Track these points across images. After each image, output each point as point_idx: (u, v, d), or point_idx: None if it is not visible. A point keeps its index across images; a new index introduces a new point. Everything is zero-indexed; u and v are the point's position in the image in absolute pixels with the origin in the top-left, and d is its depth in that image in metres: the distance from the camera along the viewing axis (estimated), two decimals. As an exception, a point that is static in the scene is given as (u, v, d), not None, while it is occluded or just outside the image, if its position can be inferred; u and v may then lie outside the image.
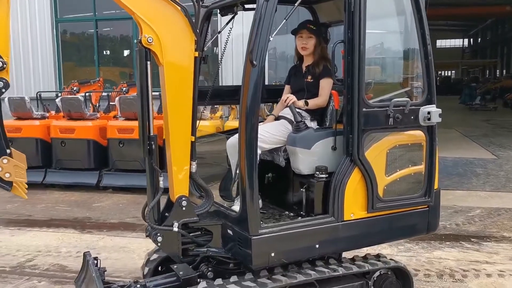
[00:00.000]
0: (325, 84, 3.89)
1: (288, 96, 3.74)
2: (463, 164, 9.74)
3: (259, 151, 3.62)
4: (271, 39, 3.22)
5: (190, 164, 3.55)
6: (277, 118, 4.07)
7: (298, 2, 3.35)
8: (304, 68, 4.08)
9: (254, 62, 3.14)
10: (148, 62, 3.40)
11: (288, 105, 3.69)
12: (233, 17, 4.12)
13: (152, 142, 3.44)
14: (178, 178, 3.54)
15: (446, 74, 55.16)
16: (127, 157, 8.43)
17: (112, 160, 8.79)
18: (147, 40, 3.29)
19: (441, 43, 57.63)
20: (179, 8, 3.37)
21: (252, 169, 3.29)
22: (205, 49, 4.19)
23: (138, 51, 3.35)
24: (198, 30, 3.49)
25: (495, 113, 23.77)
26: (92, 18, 12.93)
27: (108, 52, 13.88)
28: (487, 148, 11.98)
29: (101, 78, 11.75)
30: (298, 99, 3.85)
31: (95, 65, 13.32)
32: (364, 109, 3.51)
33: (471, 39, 58.66)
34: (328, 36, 4.58)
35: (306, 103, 3.83)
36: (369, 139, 3.60)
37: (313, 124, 3.95)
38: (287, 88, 4.25)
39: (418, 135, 3.80)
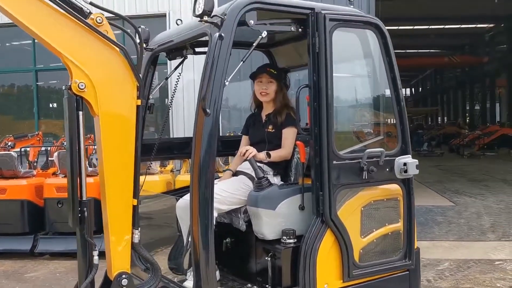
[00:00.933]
0: (289, 134, 3.45)
1: (247, 149, 3.26)
2: (423, 213, 9.51)
3: (215, 214, 3.08)
4: (226, 83, 2.77)
5: (132, 233, 2.95)
6: (235, 174, 3.56)
7: (256, 42, 2.93)
8: (264, 117, 3.64)
9: (208, 110, 2.66)
10: (80, 113, 2.85)
11: (248, 158, 3.20)
12: (182, 62, 3.66)
13: (85, 208, 2.83)
14: (117, 251, 2.92)
15: (392, 122, 56.93)
16: (66, 219, 7.55)
17: (49, 222, 7.86)
18: (78, 87, 2.75)
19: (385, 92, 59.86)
20: (117, 49, 2.87)
21: (207, 236, 2.74)
22: (151, 97, 3.69)
23: (67, 100, 2.79)
24: (141, 75, 3.00)
25: (442, 158, 24.33)
26: (32, 69, 12.19)
27: (50, 104, 13.07)
28: (443, 195, 11.90)
29: (40, 131, 10.91)
30: (259, 151, 3.38)
31: (35, 118, 12.47)
32: (334, 162, 3.08)
33: (413, 89, 61.44)
34: (287, 82, 4.20)
35: (268, 155, 3.36)
36: (341, 195, 3.16)
37: (277, 180, 3.47)
38: (244, 139, 3.79)
39: (394, 189, 3.40)
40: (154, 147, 3.57)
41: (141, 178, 3.15)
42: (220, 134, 6.68)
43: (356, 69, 3.44)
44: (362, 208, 3.27)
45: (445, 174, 16.43)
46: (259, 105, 3.72)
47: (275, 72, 3.55)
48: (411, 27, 27.62)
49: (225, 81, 2.76)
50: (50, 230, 7.97)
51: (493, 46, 33.41)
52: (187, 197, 3.22)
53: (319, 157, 3.07)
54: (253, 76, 3.58)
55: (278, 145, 3.48)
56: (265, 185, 3.15)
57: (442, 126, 38.29)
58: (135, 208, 2.96)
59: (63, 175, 8.03)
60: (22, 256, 7.71)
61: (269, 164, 3.45)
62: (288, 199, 3.16)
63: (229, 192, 3.22)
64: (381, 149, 3.22)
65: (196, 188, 2.71)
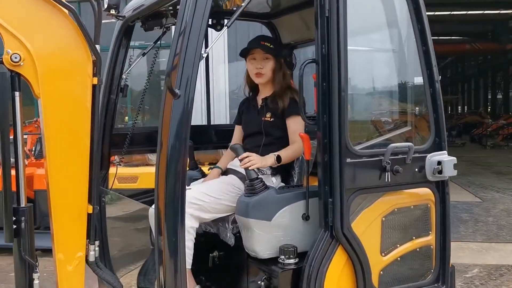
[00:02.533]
0: (296, 125, 2.75)
1: (248, 156, 2.55)
2: (446, 209, 8.77)
3: (194, 224, 2.42)
4: (204, 55, 2.08)
5: (87, 249, 2.31)
6: (224, 173, 2.89)
7: (245, 3, 2.22)
8: (259, 102, 2.94)
9: (177, 91, 1.98)
10: (17, 93, 2.20)
11: (249, 169, 2.50)
12: (162, 35, 2.98)
13: (23, 218, 2.20)
14: (67, 272, 2.29)
15: (421, 109, 55.71)
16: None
17: (40, 216, 7.31)
18: (11, 59, 2.10)
19: (404, 80, 58.50)
20: (66, 11, 2.21)
21: (176, 252, 2.07)
22: (124, 77, 3.02)
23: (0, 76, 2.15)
24: (111, 49, 2.34)
25: (464, 149, 23.28)
26: None
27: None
28: (468, 189, 11.07)
29: (39, 118, 10.34)
30: (253, 144, 2.69)
31: (34, 105, 11.90)
32: (348, 159, 2.38)
33: (433, 77, 59.77)
34: (293, 60, 3.49)
35: (279, 159, 2.67)
36: (356, 202, 2.46)
37: (276, 181, 2.78)
38: (237, 129, 3.10)
39: (423, 193, 2.69)
40: (126, 138, 2.90)
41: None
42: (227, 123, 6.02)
43: (377, 41, 2.70)
44: (383, 218, 2.57)
45: (468, 166, 15.53)
46: (254, 88, 3.02)
47: (271, 46, 2.83)
48: (432, 13, 26.48)
49: (202, 52, 2.07)
50: (42, 225, 7.42)
51: (517, 33, 32.01)
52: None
53: (329, 154, 2.37)
54: (245, 53, 2.86)
55: (278, 138, 2.79)
56: (259, 188, 2.46)
57: (463, 115, 37.05)
58: (91, 216, 2.31)
59: (124, 164, 7.38)
60: (9, 252, 7.17)
61: None
62: (288, 206, 2.47)
63: (213, 196, 2.55)
64: (409, 143, 2.50)
65: (162, 191, 2.04)
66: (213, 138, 3.65)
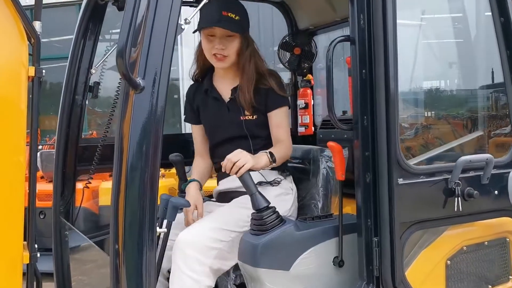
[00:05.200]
0: (280, 118, 2.06)
1: (233, 160, 1.79)
2: None
3: (212, 283, 1.73)
4: (184, 26, 1.35)
5: None
6: (222, 196, 2.14)
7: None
8: (226, 94, 2.13)
9: (139, 81, 1.26)
10: None
11: (240, 176, 1.76)
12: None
13: None
14: None
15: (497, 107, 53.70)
16: (49, 234, 6.30)
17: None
18: None
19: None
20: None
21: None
22: (93, 71, 2.30)
23: None
24: (38, 23, 1.64)
25: None
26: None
27: (53, 97, 11.82)
28: None
29: (38, 128, 9.71)
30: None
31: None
32: (401, 180, 1.64)
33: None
34: (313, 49, 2.76)
35: (273, 158, 1.93)
36: (413, 241, 1.72)
37: (291, 187, 2.05)
38: (198, 131, 2.25)
39: (500, 223, 1.94)
40: (95, 151, 2.18)
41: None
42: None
43: (436, 15, 1.94)
44: (448, 261, 1.83)
45: None
46: (207, 70, 2.19)
47: (236, 18, 2.01)
48: None
49: (182, 23, 1.34)
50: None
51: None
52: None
53: (372, 172, 1.64)
54: (200, 27, 2.03)
55: (267, 138, 2.05)
56: (271, 221, 1.70)
57: None
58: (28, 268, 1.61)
59: (50, 180, 6.77)
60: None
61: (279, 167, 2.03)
62: (313, 248, 1.73)
63: (233, 231, 1.81)
64: (487, 155, 1.75)
65: (121, 226, 1.32)
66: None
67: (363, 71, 1.65)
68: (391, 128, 1.63)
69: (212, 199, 2.23)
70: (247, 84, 2.03)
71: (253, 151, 1.97)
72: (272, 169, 2.02)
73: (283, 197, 1.98)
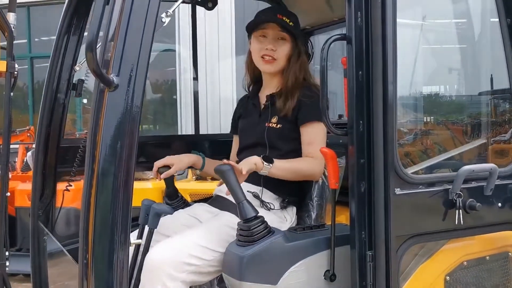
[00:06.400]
0: (314, 135, 1.90)
1: (223, 170, 1.65)
2: None
3: None
4: (166, 19, 1.24)
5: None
6: (218, 198, 2.03)
7: None
8: (263, 100, 2.08)
9: (112, 78, 1.15)
10: None
11: (228, 182, 1.64)
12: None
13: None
14: None
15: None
16: (43, 232, 6.20)
17: (21, 236, 6.59)
18: None
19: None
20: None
21: None
22: (78, 68, 2.19)
23: None
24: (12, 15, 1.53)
25: None
26: (26, 55, 10.84)
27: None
28: None
29: (32, 127, 9.61)
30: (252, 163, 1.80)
31: (29, 112, 11.15)
32: (398, 190, 1.53)
33: None
34: (309, 49, 2.65)
35: (268, 161, 1.79)
36: (410, 256, 1.61)
37: (289, 218, 1.92)
38: (236, 141, 2.25)
39: (501, 237, 1.83)
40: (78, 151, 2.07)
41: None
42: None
43: (438, 17, 1.83)
44: (447, 277, 1.72)
45: None
46: (257, 79, 2.15)
47: (291, 23, 1.98)
48: None
49: (163, 16, 1.23)
50: (23, 247, 6.68)
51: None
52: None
53: (367, 181, 1.53)
54: (252, 27, 2.01)
55: (288, 152, 1.93)
56: (258, 232, 1.59)
57: None
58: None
59: None
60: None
61: (272, 185, 1.90)
62: (303, 261, 1.61)
63: (215, 250, 1.68)
64: (491, 164, 1.64)
65: (90, 237, 1.21)
66: (206, 152, 2.81)
67: (360, 72, 1.54)
68: (389, 134, 1.52)
69: (205, 203, 2.11)
70: (292, 91, 1.93)
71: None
72: (278, 195, 1.91)
73: (275, 224, 1.79)
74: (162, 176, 2.02)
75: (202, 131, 2.77)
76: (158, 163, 2.03)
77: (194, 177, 6.52)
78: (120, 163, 1.17)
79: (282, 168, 1.81)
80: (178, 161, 2.04)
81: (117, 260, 1.16)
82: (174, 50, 8.21)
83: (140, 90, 1.18)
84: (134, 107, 1.16)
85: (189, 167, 2.28)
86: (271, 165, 1.77)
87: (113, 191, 1.17)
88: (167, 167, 2.04)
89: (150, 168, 2.11)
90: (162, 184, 6.68)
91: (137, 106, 1.17)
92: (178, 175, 8.14)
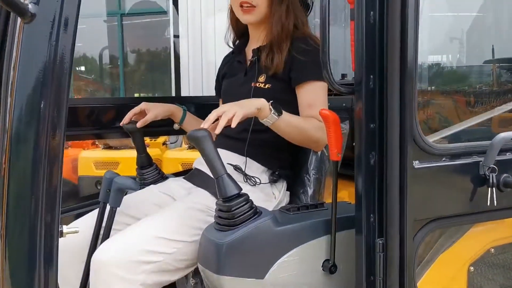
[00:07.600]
0: (314, 96, 1.57)
1: (218, 113, 1.35)
2: None
3: None
4: None
5: None
6: (195, 172, 1.73)
7: None
8: (249, 56, 1.74)
9: (29, 4, 0.81)
10: None
11: (204, 151, 1.32)
12: None
13: None
14: None
15: None
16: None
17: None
18: None
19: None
20: None
21: None
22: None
23: None
24: None
25: None
26: (116, 12, 9.52)
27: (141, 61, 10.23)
28: None
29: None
30: (236, 128, 1.45)
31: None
32: (417, 164, 1.22)
33: None
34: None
35: (278, 111, 1.45)
36: (428, 244, 1.31)
37: (280, 195, 1.61)
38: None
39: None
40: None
41: None
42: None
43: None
44: (471, 267, 1.42)
45: None
46: (242, 33, 1.81)
47: None
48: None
49: None
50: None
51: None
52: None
53: (379, 152, 1.22)
54: None
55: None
56: (241, 214, 1.28)
57: None
58: None
59: (104, 146, 6.25)
60: None
61: (260, 155, 1.58)
62: (296, 249, 1.31)
63: (179, 240, 1.36)
64: (533, 132, 1.32)
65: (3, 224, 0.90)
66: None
67: (371, 12, 1.20)
68: (407, 92, 1.19)
69: (181, 177, 1.80)
70: (279, 43, 1.61)
71: (251, 130, 1.55)
72: (267, 167, 1.60)
73: (260, 203, 1.44)
74: (138, 124, 1.71)
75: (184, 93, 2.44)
76: (133, 110, 1.72)
77: (187, 145, 6.19)
78: (42, 123, 0.86)
79: (290, 123, 1.48)
80: (154, 107, 1.73)
81: (39, 255, 0.86)
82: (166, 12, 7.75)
83: (71, 22, 0.84)
84: (60, 46, 0.84)
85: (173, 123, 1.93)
86: (279, 115, 1.45)
87: (33, 161, 0.87)
88: (135, 123, 1.73)
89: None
90: (154, 153, 6.34)
91: (64, 45, 0.84)
92: (171, 143, 7.85)
